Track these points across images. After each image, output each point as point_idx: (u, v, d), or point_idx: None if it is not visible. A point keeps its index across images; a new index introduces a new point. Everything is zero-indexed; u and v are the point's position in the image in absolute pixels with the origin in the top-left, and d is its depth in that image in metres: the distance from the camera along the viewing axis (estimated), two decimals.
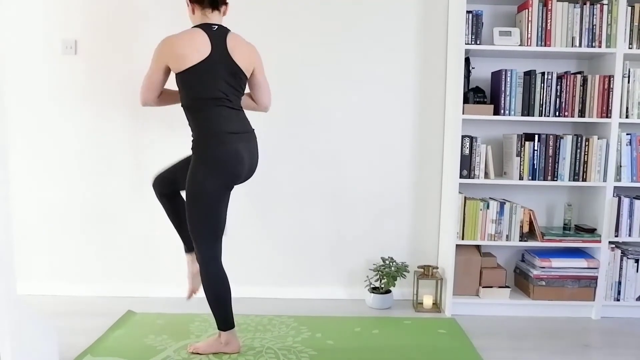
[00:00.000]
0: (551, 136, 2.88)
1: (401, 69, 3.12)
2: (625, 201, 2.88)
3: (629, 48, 2.83)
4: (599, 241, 2.91)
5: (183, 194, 2.40)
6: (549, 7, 2.81)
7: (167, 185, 2.48)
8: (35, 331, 2.01)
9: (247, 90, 2.45)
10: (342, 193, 3.19)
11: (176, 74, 2.23)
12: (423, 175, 3.18)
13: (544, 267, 2.92)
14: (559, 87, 2.87)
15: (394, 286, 3.06)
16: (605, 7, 2.80)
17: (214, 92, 2.23)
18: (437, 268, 3.09)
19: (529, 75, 2.86)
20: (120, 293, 3.20)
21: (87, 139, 3.13)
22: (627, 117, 2.88)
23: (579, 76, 2.87)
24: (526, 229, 2.95)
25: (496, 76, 2.94)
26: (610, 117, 2.85)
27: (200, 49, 2.19)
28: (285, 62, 3.10)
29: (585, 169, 2.89)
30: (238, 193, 2.93)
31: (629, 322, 2.91)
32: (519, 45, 2.84)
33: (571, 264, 2.92)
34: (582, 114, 2.89)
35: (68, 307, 3.01)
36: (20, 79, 3.09)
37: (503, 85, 2.86)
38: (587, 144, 2.88)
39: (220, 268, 2.33)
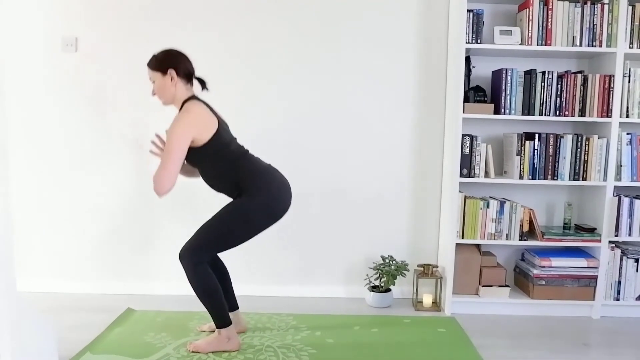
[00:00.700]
0: (551, 135, 2.88)
1: (402, 68, 3.12)
2: (625, 201, 2.88)
3: (630, 47, 2.83)
4: (599, 240, 2.91)
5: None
6: (550, 6, 2.81)
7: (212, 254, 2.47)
8: (34, 328, 2.01)
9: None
10: (342, 191, 3.19)
11: (198, 147, 2.27)
12: (423, 174, 3.18)
13: (543, 267, 2.92)
14: (559, 86, 2.87)
15: (393, 285, 3.06)
16: (606, 7, 2.80)
17: (236, 144, 2.41)
18: (437, 267, 3.09)
19: (529, 74, 2.86)
20: (120, 290, 3.20)
21: (87, 137, 3.13)
22: (627, 116, 2.87)
23: (579, 75, 2.87)
24: (526, 228, 2.95)
25: (497, 75, 2.94)
26: (610, 117, 2.85)
27: (212, 116, 2.32)
28: (285, 62, 3.10)
29: (585, 169, 2.89)
30: None
31: (629, 321, 2.91)
32: (520, 44, 2.84)
33: (571, 264, 2.92)
34: (582, 113, 2.88)
35: (68, 304, 3.01)
36: (21, 76, 3.09)
37: (503, 85, 2.86)
38: (587, 143, 2.88)
39: (206, 267, 2.35)
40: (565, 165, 2.89)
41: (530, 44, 2.83)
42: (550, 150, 2.89)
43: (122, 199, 3.16)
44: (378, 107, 3.14)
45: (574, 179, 2.90)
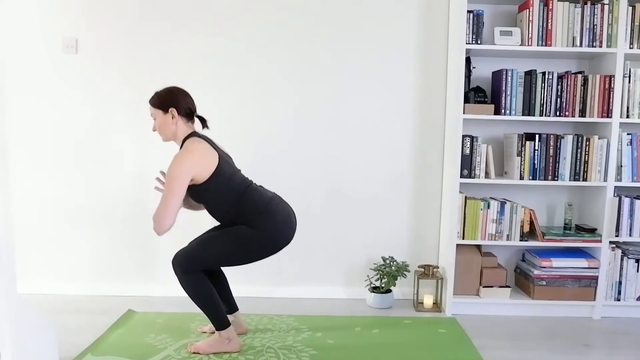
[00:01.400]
0: (552, 136, 2.88)
1: (402, 69, 3.12)
2: (626, 201, 2.88)
3: (630, 48, 2.83)
4: (600, 241, 2.91)
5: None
6: (550, 7, 2.81)
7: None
8: (35, 330, 2.01)
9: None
10: (343, 192, 3.19)
11: (199, 184, 2.27)
12: (423, 175, 3.18)
13: (544, 267, 2.92)
14: (559, 86, 2.87)
15: (394, 285, 3.06)
16: (606, 7, 2.80)
17: (239, 177, 2.38)
18: (437, 267, 3.09)
19: (529, 75, 2.86)
20: (121, 292, 3.20)
21: (87, 138, 3.14)
22: (627, 117, 2.88)
23: (579, 76, 2.87)
24: (527, 228, 2.95)
25: (497, 76, 2.94)
26: (610, 117, 2.85)
27: (213, 152, 2.30)
28: (285, 62, 3.10)
29: (585, 169, 2.89)
30: None
31: (629, 322, 2.91)
32: (520, 45, 2.84)
33: (572, 264, 2.92)
34: (582, 113, 2.89)
35: (68, 306, 3.01)
36: (21, 77, 3.09)
37: (504, 85, 2.86)
38: (587, 143, 2.88)
39: (198, 273, 2.34)
40: (565, 165, 2.89)
41: (531, 45, 2.83)
42: (551, 151, 2.89)
43: (122, 200, 3.16)
44: (378, 108, 3.14)
45: (575, 180, 2.90)
